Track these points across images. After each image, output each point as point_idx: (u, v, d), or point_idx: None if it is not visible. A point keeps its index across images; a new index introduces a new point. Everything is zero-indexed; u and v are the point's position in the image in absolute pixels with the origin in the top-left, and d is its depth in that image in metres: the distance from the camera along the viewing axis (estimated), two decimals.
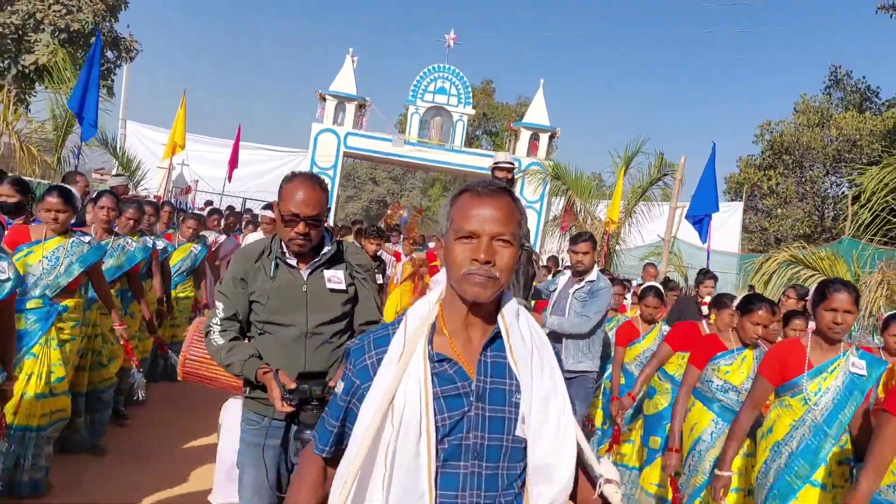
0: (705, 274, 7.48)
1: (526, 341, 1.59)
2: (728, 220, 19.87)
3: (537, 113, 21.07)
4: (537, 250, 19.79)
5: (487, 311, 1.59)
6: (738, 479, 3.77)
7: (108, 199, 5.00)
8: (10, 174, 5.95)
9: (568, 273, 5.46)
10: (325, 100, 20.44)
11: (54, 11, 12.98)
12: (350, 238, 8.50)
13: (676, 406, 4.20)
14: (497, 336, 1.58)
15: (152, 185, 14.57)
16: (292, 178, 2.73)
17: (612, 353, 5.67)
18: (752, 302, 4.14)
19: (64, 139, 9.77)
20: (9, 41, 12.82)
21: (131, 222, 5.40)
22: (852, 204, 7.95)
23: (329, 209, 2.83)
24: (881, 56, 57.78)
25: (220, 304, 2.82)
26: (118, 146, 15.47)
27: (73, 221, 4.27)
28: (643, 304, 5.62)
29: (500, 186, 1.57)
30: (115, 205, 5.03)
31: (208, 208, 10.63)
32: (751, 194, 24.11)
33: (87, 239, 4.25)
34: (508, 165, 5.67)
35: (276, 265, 2.77)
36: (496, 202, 1.53)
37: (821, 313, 3.31)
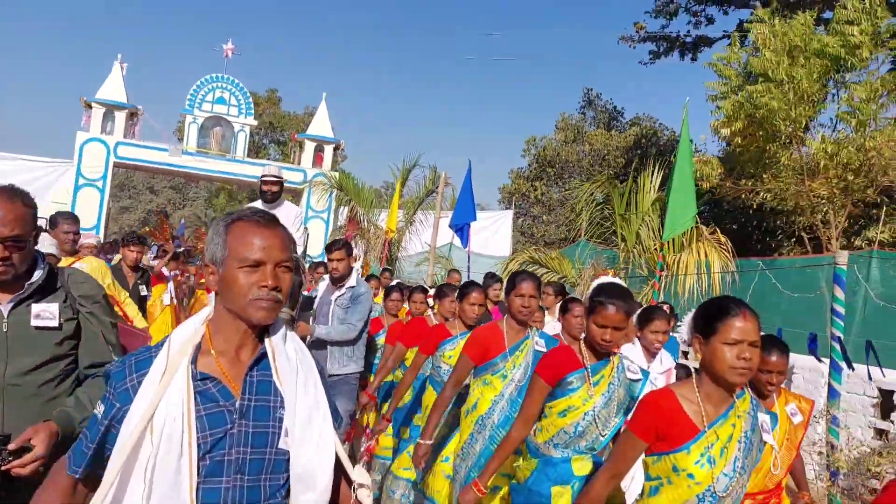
0: (492, 277, 7.83)
1: (291, 361, 1.67)
2: (500, 227, 21.63)
3: (321, 125, 21.44)
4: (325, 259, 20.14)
5: (257, 332, 1.67)
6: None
7: None
8: None
9: (327, 279, 5.49)
10: (90, 107, 19.21)
11: None
12: (117, 257, 8.07)
13: (398, 388, 4.68)
14: (263, 356, 1.66)
15: None
16: None
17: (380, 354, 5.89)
18: (466, 287, 4.60)
19: None
20: None
21: None
22: (579, 213, 9.29)
23: (39, 228, 2.43)
24: (624, 80, 66.04)
25: None
26: None
27: None
28: (410, 301, 6.04)
29: (272, 215, 1.68)
30: None
31: None
32: (521, 203, 26.39)
33: None
34: (274, 178, 5.86)
35: None
36: (275, 230, 1.64)
37: (512, 300, 3.73)
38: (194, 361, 1.60)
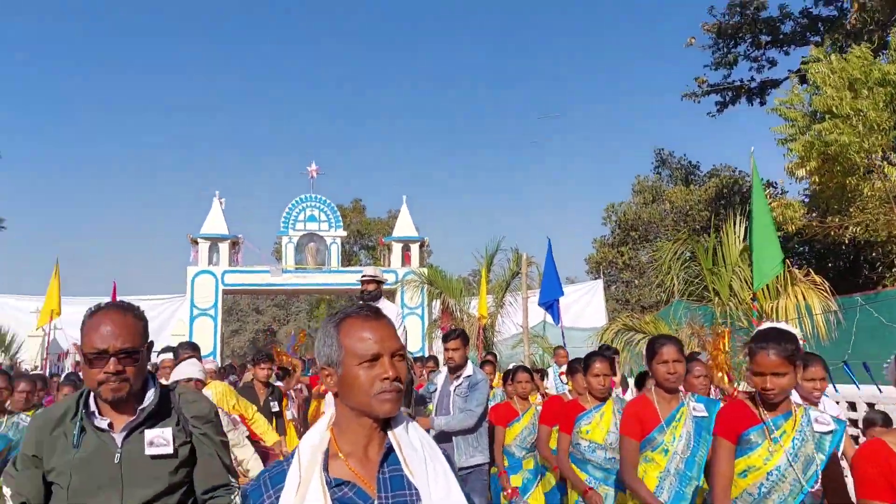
0: (608, 349, 7.19)
1: (418, 451, 1.67)
2: (592, 299, 21.66)
3: (405, 226, 22.51)
4: (425, 354, 20.65)
5: (381, 427, 1.68)
6: None
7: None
8: None
9: (445, 371, 5.50)
10: (196, 243, 20.94)
11: None
12: (248, 376, 8.27)
13: (565, 475, 4.47)
14: (390, 450, 1.65)
15: (27, 355, 14.34)
16: (95, 310, 2.26)
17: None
18: (589, 358, 4.51)
19: None
20: None
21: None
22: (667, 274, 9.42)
23: (151, 343, 2.40)
24: (695, 134, 65.76)
25: (6, 492, 2.33)
26: None
27: None
28: (515, 382, 5.78)
29: (375, 307, 1.75)
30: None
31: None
32: (610, 270, 26.40)
33: None
34: (375, 278, 5.97)
35: (82, 429, 2.20)
36: (383, 321, 1.68)
37: (655, 367, 3.54)
38: (326, 468, 1.61)
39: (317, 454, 1.63)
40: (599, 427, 4.27)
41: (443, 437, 5.01)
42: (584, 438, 4.30)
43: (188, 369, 5.23)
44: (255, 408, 6.30)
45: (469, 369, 5.24)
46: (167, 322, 20.76)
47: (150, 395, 2.27)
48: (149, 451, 2.20)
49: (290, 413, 8.19)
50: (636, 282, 25.50)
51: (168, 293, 21.59)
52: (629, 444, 3.55)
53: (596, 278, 25.10)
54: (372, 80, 78.95)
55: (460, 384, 5.20)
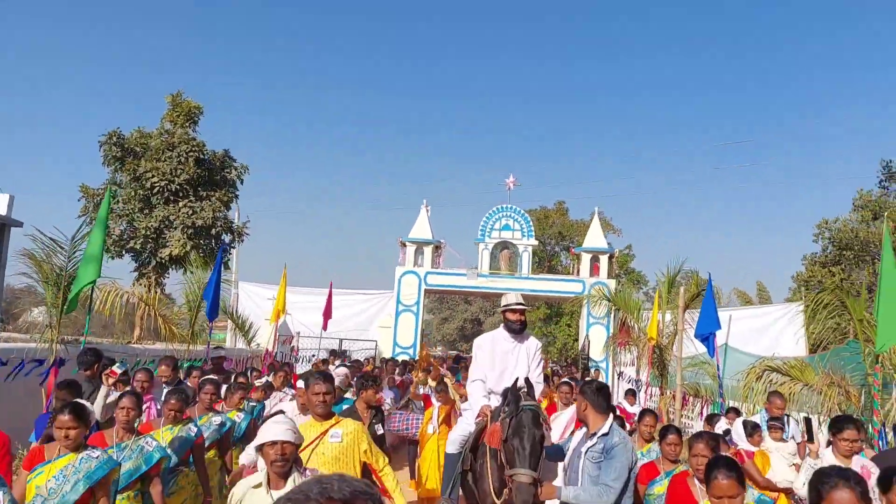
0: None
1: None
2: (788, 324, 20.67)
3: (595, 237, 23.21)
4: (608, 363, 21.22)
5: None
6: None
7: (129, 399, 4.78)
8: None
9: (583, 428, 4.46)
10: (405, 246, 23.42)
11: (183, 213, 16.70)
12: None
13: None
14: None
15: (262, 339, 17.42)
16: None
17: None
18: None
19: (195, 317, 12.75)
20: (150, 240, 16.58)
21: (172, 413, 5.24)
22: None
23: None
24: None
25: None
26: (234, 310, 18.77)
27: (86, 434, 4.14)
28: (665, 443, 5.11)
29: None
30: (136, 405, 4.79)
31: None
32: (819, 290, 24.72)
33: (95, 454, 4.08)
34: (520, 307, 5.47)
35: None
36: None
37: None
38: None
39: None
40: None
41: None
42: None
43: (277, 430, 3.48)
44: (385, 458, 4.81)
45: (605, 427, 4.14)
46: (376, 315, 23.54)
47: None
48: None
49: (431, 427, 8.14)
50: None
51: (378, 289, 24.36)
52: None
53: (807, 293, 23.74)
54: (572, 94, 79.61)
55: (593, 445, 4.14)
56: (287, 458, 3.33)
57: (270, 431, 3.37)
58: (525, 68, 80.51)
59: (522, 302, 5.50)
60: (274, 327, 15.86)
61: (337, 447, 4.29)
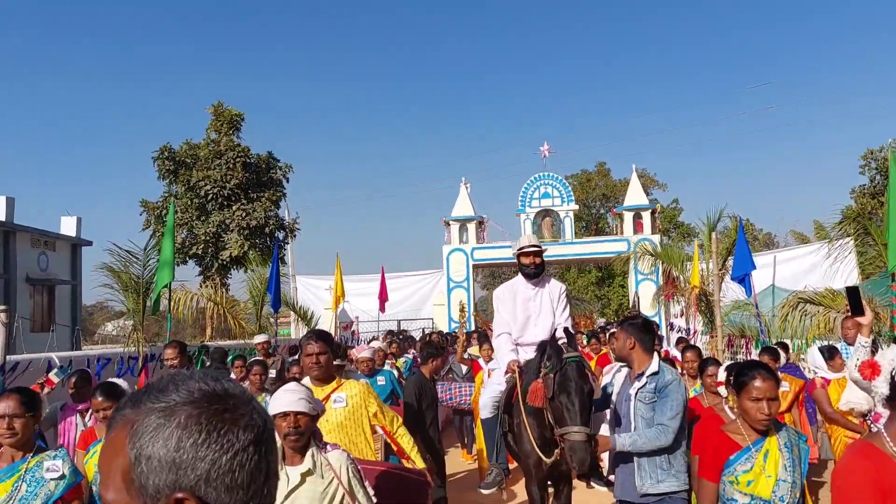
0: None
1: None
2: (838, 259, 20.57)
3: (635, 195, 23.45)
4: (661, 320, 21.54)
5: None
6: None
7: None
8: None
9: (624, 370, 4.27)
10: (449, 225, 24.10)
11: (237, 216, 17.84)
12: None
13: None
14: None
15: (324, 327, 18.39)
16: None
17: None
18: (743, 373, 3.15)
19: (260, 311, 13.76)
20: (210, 244, 17.80)
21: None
22: None
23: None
24: None
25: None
26: (295, 302, 19.83)
27: None
28: (706, 375, 5.07)
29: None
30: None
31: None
32: (873, 222, 24.41)
33: None
34: (534, 249, 5.18)
35: None
36: None
37: None
38: None
39: None
40: (765, 475, 3.04)
41: (620, 458, 3.98)
42: (740, 490, 3.10)
43: (289, 398, 3.13)
44: (399, 419, 4.51)
45: (654, 365, 3.94)
46: (429, 294, 24.35)
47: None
48: None
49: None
50: None
51: (428, 269, 25.16)
52: None
53: (847, 235, 23.53)
54: (600, 50, 78.62)
55: (643, 385, 3.93)
56: (302, 432, 2.98)
57: (282, 401, 3.02)
58: (549, 32, 79.91)
59: (535, 243, 5.26)
60: (334, 315, 16.80)
61: (342, 412, 3.95)
